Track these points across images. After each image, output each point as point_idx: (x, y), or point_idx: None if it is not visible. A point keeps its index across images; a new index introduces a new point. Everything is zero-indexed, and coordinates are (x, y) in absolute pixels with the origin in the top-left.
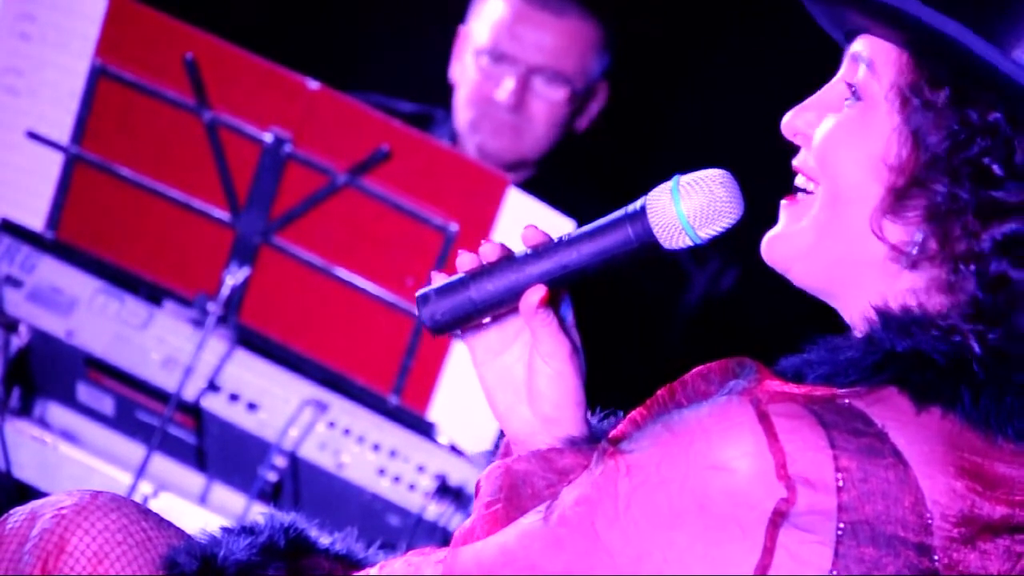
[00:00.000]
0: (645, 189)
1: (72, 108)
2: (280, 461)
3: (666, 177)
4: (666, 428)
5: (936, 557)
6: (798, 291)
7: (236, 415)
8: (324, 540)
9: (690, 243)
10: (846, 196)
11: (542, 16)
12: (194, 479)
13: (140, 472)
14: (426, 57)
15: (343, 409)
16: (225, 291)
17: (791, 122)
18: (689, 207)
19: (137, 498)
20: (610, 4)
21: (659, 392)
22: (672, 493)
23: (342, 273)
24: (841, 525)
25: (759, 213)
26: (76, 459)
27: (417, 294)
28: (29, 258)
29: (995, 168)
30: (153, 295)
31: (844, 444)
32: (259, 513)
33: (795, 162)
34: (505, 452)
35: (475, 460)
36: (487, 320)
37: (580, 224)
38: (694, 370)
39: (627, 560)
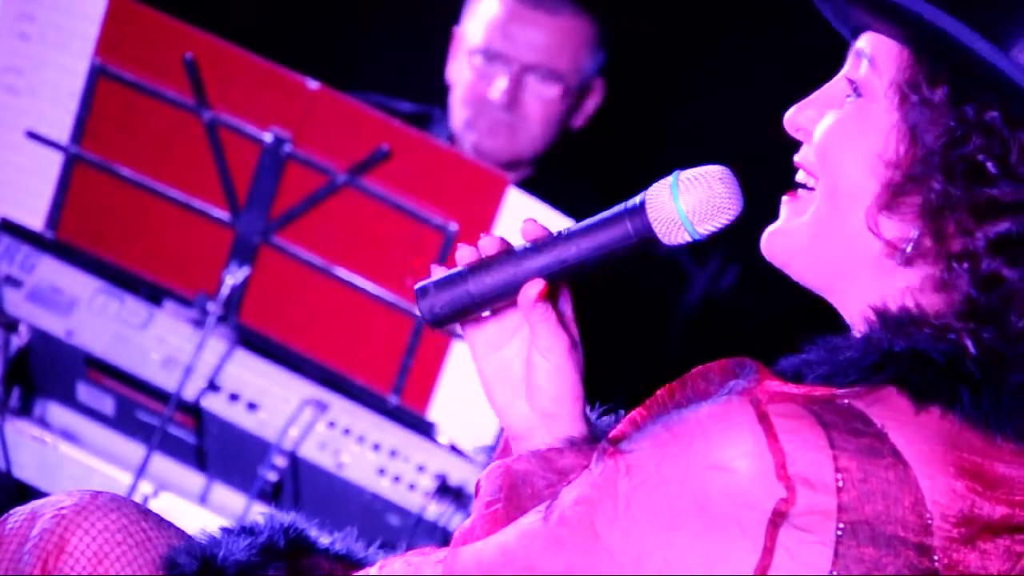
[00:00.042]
0: (645, 188)
1: (72, 108)
2: (280, 461)
3: (666, 175)
4: (666, 428)
5: (936, 557)
6: (797, 291)
7: (236, 415)
8: (324, 540)
9: (689, 239)
10: (844, 192)
11: (535, 15)
12: (194, 479)
13: (140, 472)
14: (426, 57)
15: (343, 409)
16: (225, 291)
17: (793, 118)
18: (688, 203)
19: (137, 498)
20: (605, 1)
21: (659, 392)
22: (672, 493)
23: (342, 273)
24: (841, 525)
25: (759, 211)
26: (76, 459)
27: (416, 287)
28: (29, 258)
29: (989, 166)
30: (153, 295)
31: (844, 444)
32: (259, 513)
33: (796, 158)
34: (504, 447)
35: (475, 455)
36: (486, 314)
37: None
38: (694, 370)
39: (627, 560)
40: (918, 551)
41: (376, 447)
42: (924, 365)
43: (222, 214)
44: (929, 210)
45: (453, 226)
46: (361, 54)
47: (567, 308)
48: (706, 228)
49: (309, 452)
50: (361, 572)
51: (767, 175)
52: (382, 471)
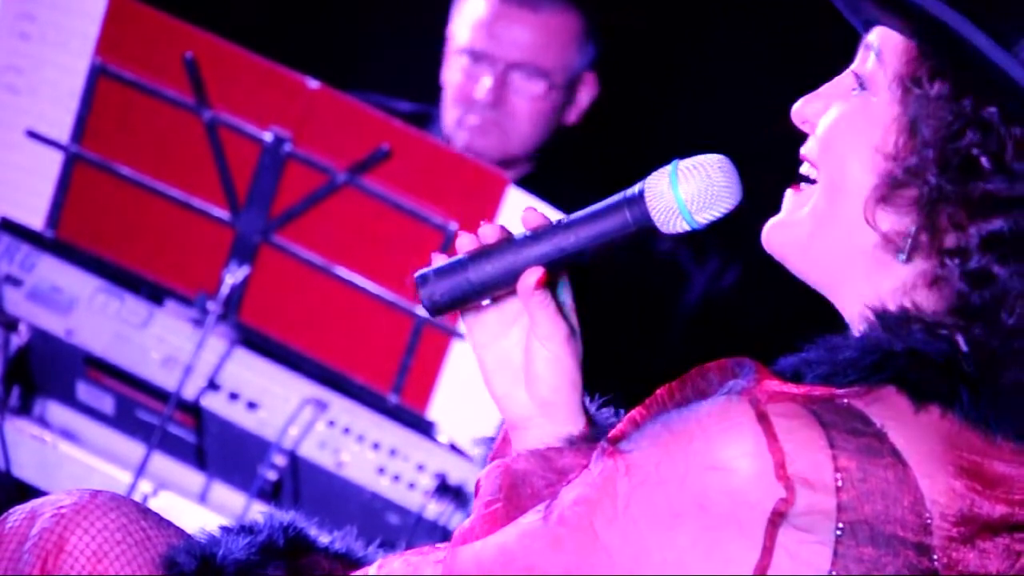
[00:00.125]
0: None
1: (72, 107)
2: (280, 460)
3: (666, 165)
4: (665, 428)
5: (935, 556)
6: (797, 291)
7: (236, 414)
8: (323, 539)
9: (688, 228)
10: (844, 184)
11: (519, 13)
12: (194, 478)
13: (140, 471)
14: (426, 57)
15: (343, 408)
16: (225, 290)
17: (800, 110)
18: (687, 191)
19: (137, 497)
20: None
21: (659, 392)
22: (671, 493)
23: (342, 272)
24: (840, 525)
25: (759, 210)
26: (76, 458)
27: (416, 274)
28: (29, 257)
29: (983, 161)
30: (153, 294)
31: (843, 444)
32: (259, 512)
33: (803, 150)
34: (504, 438)
35: (475, 446)
36: (486, 302)
37: None
38: (693, 370)
39: (626, 560)
40: (917, 550)
41: (376, 446)
42: (923, 365)
43: (222, 213)
44: (924, 204)
45: (453, 225)
46: (361, 54)
47: (567, 298)
48: (704, 217)
49: (309, 451)
50: (360, 571)
51: (767, 170)
52: (382, 470)
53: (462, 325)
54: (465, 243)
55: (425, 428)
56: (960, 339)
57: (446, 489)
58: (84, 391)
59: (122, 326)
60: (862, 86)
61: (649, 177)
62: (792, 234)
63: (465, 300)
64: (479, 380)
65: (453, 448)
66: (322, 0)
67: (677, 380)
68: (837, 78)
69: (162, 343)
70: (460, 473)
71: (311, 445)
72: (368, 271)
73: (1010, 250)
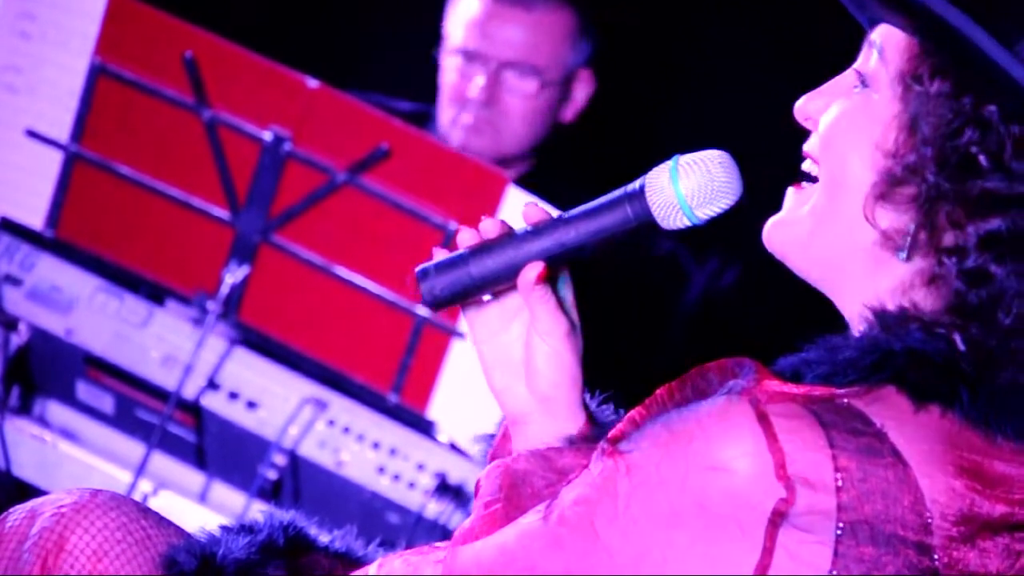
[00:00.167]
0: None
1: (72, 106)
2: (280, 459)
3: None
4: (665, 428)
5: (936, 556)
6: (797, 290)
7: (236, 413)
8: (323, 538)
9: (688, 223)
10: (844, 181)
11: (512, 11)
12: (194, 477)
13: (140, 470)
14: (426, 57)
15: (343, 407)
16: (225, 289)
17: (803, 107)
18: (687, 187)
19: (137, 496)
20: None
21: (658, 392)
22: (671, 493)
23: (342, 271)
24: (840, 525)
25: (758, 208)
26: (76, 457)
27: (417, 269)
28: (29, 256)
29: (981, 159)
30: (153, 293)
31: (843, 444)
32: (259, 511)
33: (805, 147)
34: (504, 435)
35: (475, 443)
36: (487, 297)
37: None
38: (693, 370)
39: (627, 560)
40: (918, 550)
41: (376, 445)
42: (923, 364)
43: (222, 213)
44: (922, 201)
45: (453, 225)
46: (361, 54)
47: (567, 293)
48: (705, 212)
49: (309, 450)
50: (360, 570)
51: (766, 168)
52: (382, 469)
53: (462, 325)
54: (466, 238)
55: (425, 427)
56: (958, 338)
57: (446, 488)
58: (84, 391)
59: (122, 325)
60: (864, 83)
61: (650, 172)
62: (793, 232)
63: (466, 295)
64: (479, 379)
65: (453, 447)
66: (322, 0)
67: (677, 380)
68: (840, 76)
69: (162, 342)
70: (460, 472)
71: (311, 444)
72: (368, 270)
73: (1007, 249)
